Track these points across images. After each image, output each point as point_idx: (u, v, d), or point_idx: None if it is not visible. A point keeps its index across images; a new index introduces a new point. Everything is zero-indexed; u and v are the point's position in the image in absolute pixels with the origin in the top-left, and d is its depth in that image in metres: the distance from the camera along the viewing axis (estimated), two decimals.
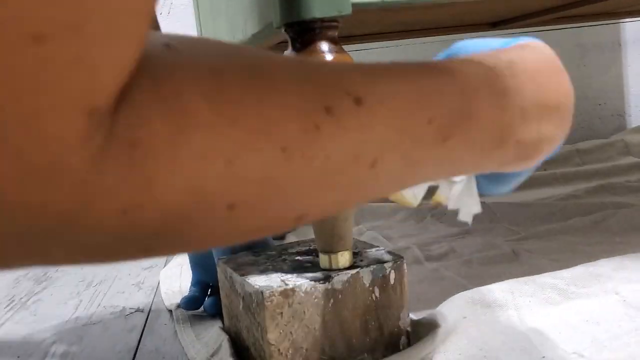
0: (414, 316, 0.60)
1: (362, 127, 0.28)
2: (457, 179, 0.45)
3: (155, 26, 0.66)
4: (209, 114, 0.23)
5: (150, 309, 0.82)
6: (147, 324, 0.76)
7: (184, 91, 0.23)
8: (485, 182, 0.44)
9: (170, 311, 0.78)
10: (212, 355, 0.61)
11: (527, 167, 0.40)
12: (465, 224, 1.10)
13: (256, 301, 0.53)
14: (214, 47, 0.26)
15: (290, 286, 0.52)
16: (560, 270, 0.67)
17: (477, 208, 0.46)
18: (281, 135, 0.25)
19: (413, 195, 0.47)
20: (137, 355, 0.67)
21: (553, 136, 0.38)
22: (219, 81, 0.24)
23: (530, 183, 1.39)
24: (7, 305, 0.91)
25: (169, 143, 0.22)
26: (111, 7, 0.18)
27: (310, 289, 0.53)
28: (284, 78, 0.27)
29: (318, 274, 0.54)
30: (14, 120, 0.17)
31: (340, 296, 0.54)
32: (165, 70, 0.23)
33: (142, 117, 0.21)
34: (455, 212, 0.46)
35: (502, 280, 0.65)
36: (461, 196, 0.46)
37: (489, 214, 1.13)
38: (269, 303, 0.52)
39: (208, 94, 0.23)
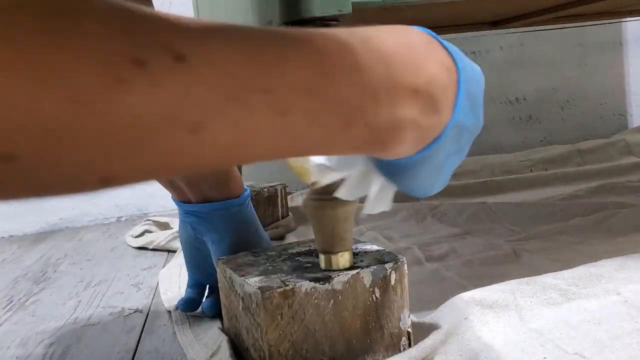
0: (414, 317, 0.59)
1: (181, 87, 0.26)
2: (333, 165, 0.45)
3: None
4: None
5: (149, 310, 0.82)
6: (146, 325, 0.76)
7: None
8: (391, 178, 0.42)
9: (169, 312, 0.78)
10: (211, 356, 0.61)
11: (388, 154, 0.37)
12: (466, 224, 1.10)
13: (256, 302, 0.53)
14: None
15: (290, 287, 0.52)
16: (562, 271, 0.67)
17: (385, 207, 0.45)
18: (70, 85, 0.23)
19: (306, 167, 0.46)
20: (136, 356, 0.67)
21: (415, 122, 0.36)
22: (7, 22, 0.22)
23: (531, 183, 1.39)
24: (6, 306, 0.90)
25: None
26: None
27: (310, 289, 0.52)
28: (90, 21, 0.24)
29: (318, 275, 0.54)
30: None
31: (340, 297, 0.53)
32: None
33: None
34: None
35: (503, 281, 0.65)
36: (375, 202, 0.45)
37: (490, 215, 1.13)
38: (269, 304, 0.51)
39: None
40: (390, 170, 0.41)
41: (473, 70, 0.41)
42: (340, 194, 0.45)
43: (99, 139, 0.24)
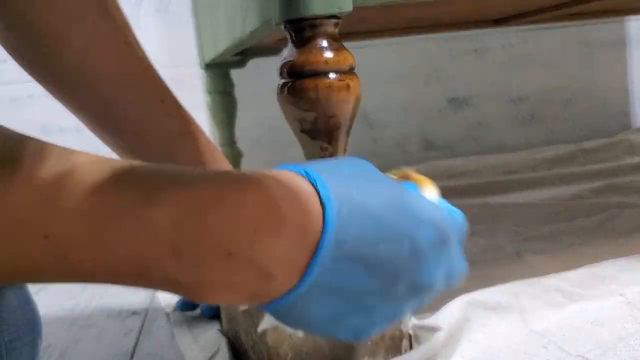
0: (416, 319, 0.59)
1: None
2: None
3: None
4: None
5: (147, 312, 0.81)
6: (144, 327, 0.75)
7: None
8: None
9: (167, 314, 0.77)
10: (210, 358, 0.60)
11: (202, 301, 0.33)
12: (469, 224, 1.09)
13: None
14: None
15: None
16: (565, 272, 0.66)
17: None
18: None
19: None
20: (134, 358, 0.67)
21: (229, 283, 0.32)
22: None
23: (534, 183, 1.38)
24: None
25: None
26: None
27: None
28: None
29: None
30: None
31: None
32: None
33: None
34: None
35: (506, 282, 0.64)
36: None
37: (492, 215, 1.12)
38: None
39: None
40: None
41: (379, 227, 0.34)
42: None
43: None
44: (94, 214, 0.29)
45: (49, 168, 0.29)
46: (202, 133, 0.66)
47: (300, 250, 0.32)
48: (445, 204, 0.43)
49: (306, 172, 0.34)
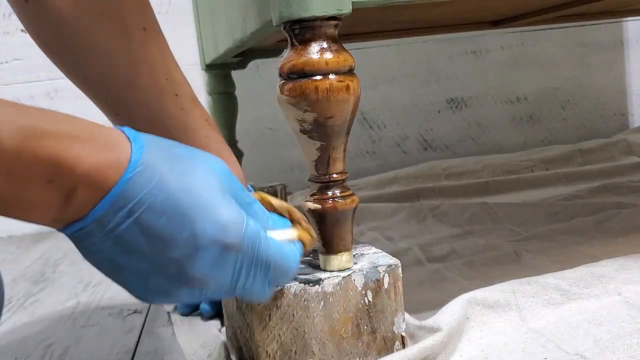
0: (415, 318, 0.59)
1: None
2: None
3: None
4: None
5: (148, 311, 0.81)
6: (145, 326, 0.76)
7: None
8: None
9: (168, 312, 0.78)
10: (209, 356, 0.61)
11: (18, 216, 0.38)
12: (467, 224, 1.10)
13: (245, 302, 0.53)
14: None
15: (279, 288, 0.52)
16: (563, 271, 0.66)
17: None
18: None
19: None
20: (135, 356, 0.67)
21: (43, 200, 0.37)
22: None
23: (532, 183, 1.39)
24: (5, 307, 0.90)
25: None
26: None
27: (300, 291, 0.52)
28: None
29: (309, 276, 0.54)
30: None
31: (331, 299, 0.53)
32: None
33: None
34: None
35: (504, 281, 0.64)
36: None
37: (491, 215, 1.12)
38: (257, 304, 0.51)
39: None
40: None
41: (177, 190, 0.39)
42: None
43: None
44: None
45: None
46: (216, 131, 0.66)
47: (94, 185, 0.37)
48: (289, 246, 0.47)
49: (130, 132, 0.39)
